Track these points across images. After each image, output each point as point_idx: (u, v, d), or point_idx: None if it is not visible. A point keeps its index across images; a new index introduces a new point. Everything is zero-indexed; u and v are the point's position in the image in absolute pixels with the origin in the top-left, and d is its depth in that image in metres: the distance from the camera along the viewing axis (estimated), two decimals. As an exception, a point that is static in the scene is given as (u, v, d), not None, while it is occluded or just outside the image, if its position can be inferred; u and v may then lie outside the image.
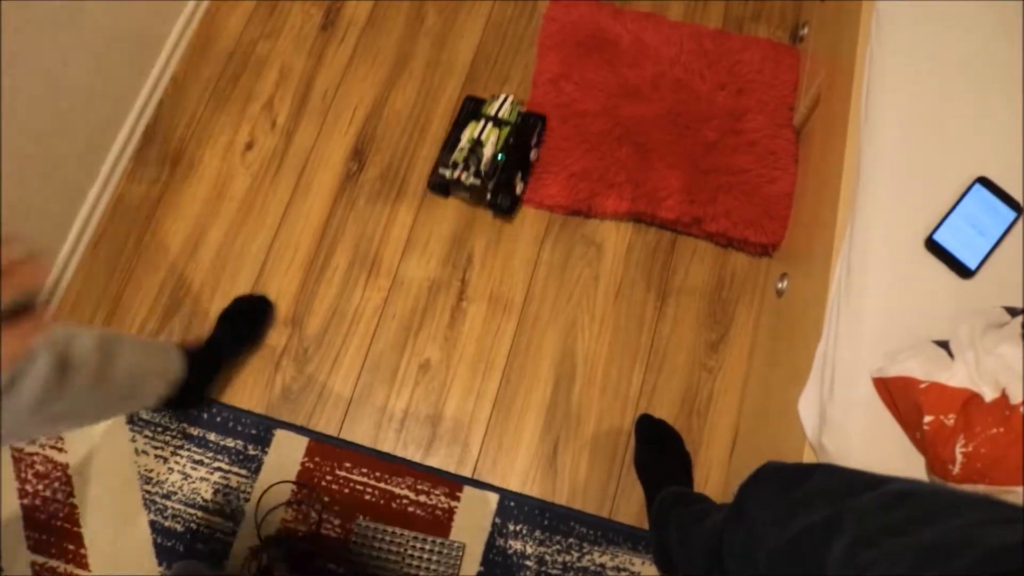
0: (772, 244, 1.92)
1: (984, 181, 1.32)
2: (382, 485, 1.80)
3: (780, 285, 1.76)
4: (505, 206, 1.97)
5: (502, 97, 2.07)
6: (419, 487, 1.80)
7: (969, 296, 1.27)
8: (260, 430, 1.84)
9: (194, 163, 2.07)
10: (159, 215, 2.02)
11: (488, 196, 1.97)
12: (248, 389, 1.88)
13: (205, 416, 1.86)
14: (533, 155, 2.04)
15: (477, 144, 1.99)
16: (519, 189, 2.00)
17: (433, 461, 1.82)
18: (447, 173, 1.99)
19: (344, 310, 1.95)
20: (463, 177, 1.98)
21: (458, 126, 2.05)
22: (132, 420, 1.86)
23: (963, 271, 1.27)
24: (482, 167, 1.97)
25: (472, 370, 1.89)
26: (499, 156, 1.97)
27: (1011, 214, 1.31)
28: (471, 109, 2.07)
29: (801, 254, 1.70)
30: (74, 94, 1.85)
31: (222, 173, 2.06)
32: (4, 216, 1.71)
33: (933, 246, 1.29)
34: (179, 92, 2.15)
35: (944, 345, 1.21)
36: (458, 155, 2.00)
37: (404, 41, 2.22)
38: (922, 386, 1.15)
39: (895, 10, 1.50)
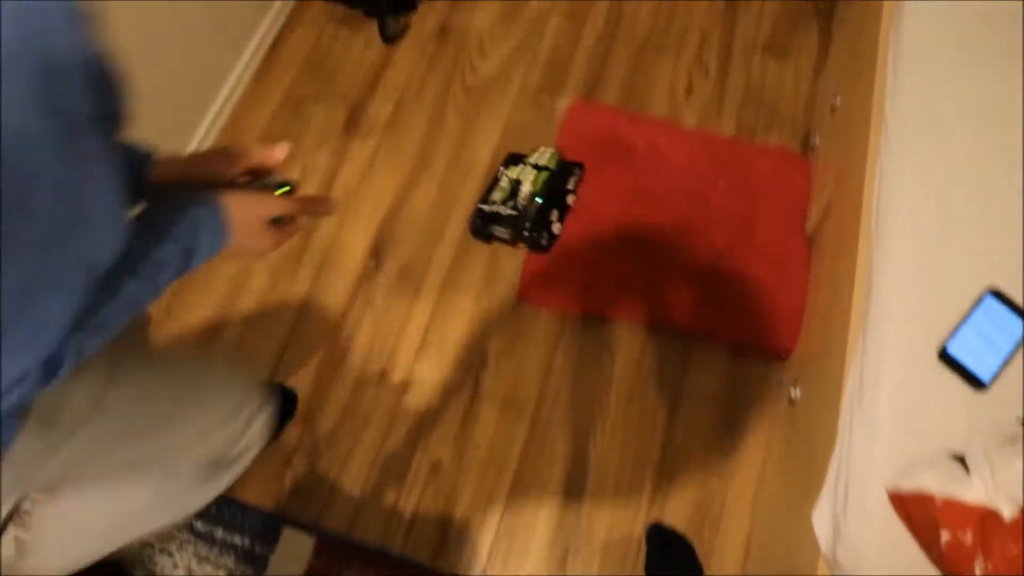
0: (784, 351, 1.92)
1: (996, 293, 1.33)
2: (389, 587, 1.77)
3: (793, 393, 1.76)
4: (542, 243, 2.03)
5: (542, 148, 2.17)
6: (426, 590, 1.77)
7: (983, 408, 1.26)
8: (268, 527, 1.83)
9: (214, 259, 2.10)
10: (178, 303, 2.05)
11: (525, 232, 2.02)
12: (257, 484, 1.87)
13: (212, 510, 1.84)
14: (570, 200, 2.10)
15: (517, 184, 2.08)
16: (556, 229, 2.06)
17: (442, 564, 1.79)
18: (486, 207, 2.07)
19: (357, 407, 1.95)
20: (501, 210, 2.05)
21: (500, 173, 2.15)
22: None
23: (977, 383, 1.27)
24: (519, 202, 2.04)
25: (483, 473, 1.87)
26: (536, 197, 2.04)
27: (1023, 325, 1.31)
28: (513, 159, 2.17)
29: (814, 362, 1.70)
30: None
31: (242, 269, 2.09)
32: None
33: (946, 357, 1.29)
34: (203, 188, 2.20)
35: (960, 459, 1.20)
36: (497, 194, 2.09)
37: (425, 142, 2.28)
38: (938, 501, 1.13)
39: (904, 122, 1.53)
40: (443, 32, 2.47)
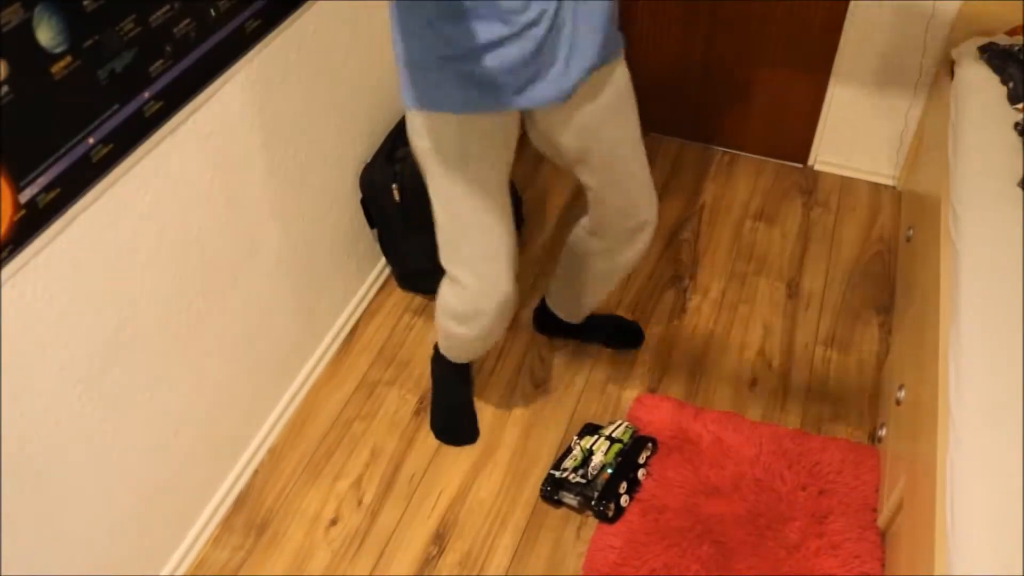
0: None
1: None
2: None
3: None
4: (608, 515, 2.05)
5: (618, 422, 2.24)
6: None
7: None
8: None
9: (278, 534, 2.11)
10: (237, 587, 2.03)
11: (592, 502, 2.04)
12: None
13: None
14: (641, 473, 2.13)
15: (589, 454, 2.14)
16: (624, 501, 2.08)
17: None
18: (557, 473, 2.13)
19: None
20: (571, 477, 2.10)
21: (574, 442, 2.21)
22: None
23: None
24: (590, 472, 2.09)
25: None
26: (607, 468, 2.09)
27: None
28: (588, 429, 2.25)
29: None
30: (178, 456, 1.95)
31: (304, 547, 2.09)
32: (82, 570, 1.75)
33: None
34: (275, 463, 2.25)
35: None
36: (570, 462, 2.15)
37: (492, 430, 2.32)
38: None
39: (971, 415, 1.53)
40: (514, 324, 2.58)
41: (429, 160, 1.71)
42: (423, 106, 1.64)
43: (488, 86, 1.57)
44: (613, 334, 2.51)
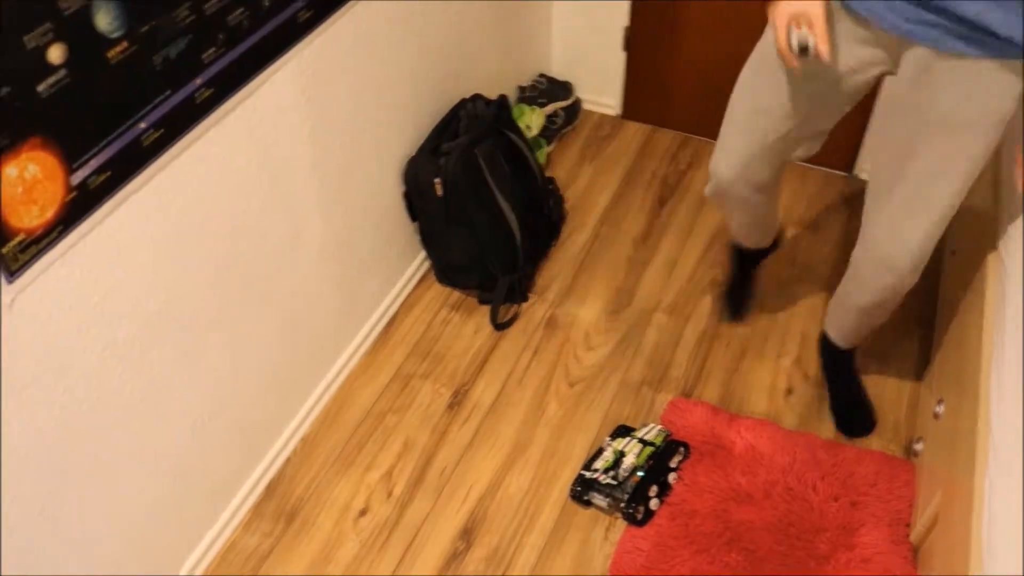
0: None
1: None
2: None
3: None
4: (637, 518, 2.04)
5: (651, 425, 2.24)
6: None
7: None
8: None
9: (308, 522, 2.13)
10: (264, 570, 2.05)
11: (622, 504, 2.04)
12: None
13: None
14: (672, 478, 2.13)
15: (621, 455, 2.13)
16: (653, 504, 2.07)
17: None
18: (587, 474, 2.13)
19: None
20: (601, 478, 2.10)
21: (606, 443, 2.21)
22: None
23: None
24: (621, 473, 2.09)
25: None
26: (638, 471, 2.09)
27: None
28: (621, 431, 2.25)
29: None
30: (213, 441, 1.98)
31: (332, 536, 2.11)
32: (119, 546, 1.78)
33: None
34: (307, 452, 2.27)
35: None
36: (601, 463, 2.15)
37: (524, 429, 2.32)
38: None
39: (1011, 437, 1.51)
40: (550, 323, 2.59)
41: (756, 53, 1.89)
42: None
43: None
44: (848, 406, 2.33)
